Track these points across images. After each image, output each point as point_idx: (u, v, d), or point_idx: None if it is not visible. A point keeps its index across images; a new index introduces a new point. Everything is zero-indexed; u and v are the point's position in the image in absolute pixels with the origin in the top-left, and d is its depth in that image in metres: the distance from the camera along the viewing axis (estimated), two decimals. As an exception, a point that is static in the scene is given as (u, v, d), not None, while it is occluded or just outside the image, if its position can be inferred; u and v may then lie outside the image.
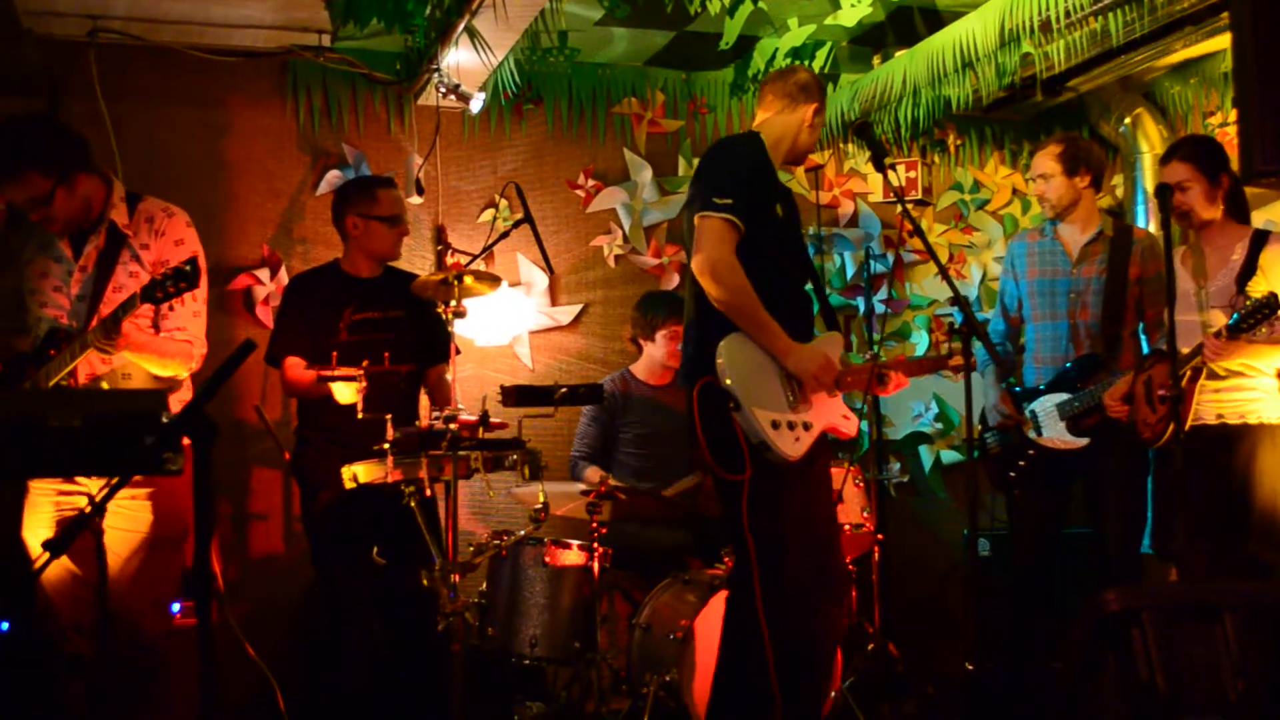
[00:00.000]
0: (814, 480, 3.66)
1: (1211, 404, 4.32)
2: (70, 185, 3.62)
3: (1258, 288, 4.25)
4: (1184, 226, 4.48)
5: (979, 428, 4.85)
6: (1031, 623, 4.62)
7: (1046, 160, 4.71)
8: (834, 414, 3.68)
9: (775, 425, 3.49)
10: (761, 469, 3.50)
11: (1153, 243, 4.79)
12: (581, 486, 4.60)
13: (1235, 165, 4.30)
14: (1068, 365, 4.61)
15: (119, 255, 3.72)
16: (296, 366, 4.39)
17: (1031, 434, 4.64)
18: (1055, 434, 4.59)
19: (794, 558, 3.57)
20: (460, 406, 3.93)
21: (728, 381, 3.46)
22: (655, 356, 5.23)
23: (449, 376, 4.38)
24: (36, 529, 3.60)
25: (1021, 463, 4.65)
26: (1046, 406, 4.63)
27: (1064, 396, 4.59)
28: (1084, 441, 4.54)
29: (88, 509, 3.21)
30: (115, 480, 3.13)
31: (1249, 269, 4.29)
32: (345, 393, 4.13)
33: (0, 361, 3.67)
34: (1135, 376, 4.40)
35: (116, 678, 3.65)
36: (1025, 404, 4.69)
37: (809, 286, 3.83)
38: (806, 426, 3.57)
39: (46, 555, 2.89)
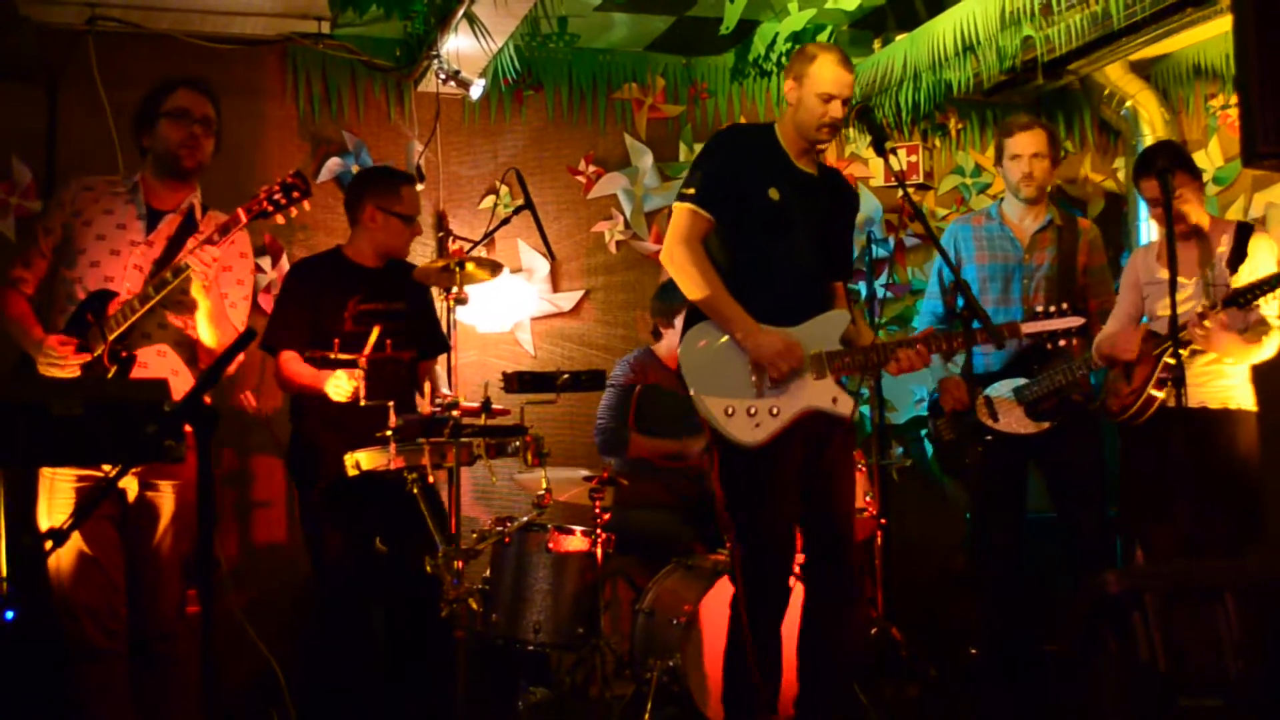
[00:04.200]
0: (783, 469, 3.63)
1: (1194, 389, 4.30)
2: (216, 147, 3.90)
3: (1247, 270, 4.27)
4: (1176, 228, 4.44)
5: (929, 410, 4.89)
6: (1005, 608, 4.62)
7: (1040, 141, 4.69)
8: (817, 396, 3.63)
9: (729, 412, 3.58)
10: (732, 453, 3.62)
11: (1097, 235, 4.85)
12: (585, 472, 4.60)
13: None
14: (1020, 350, 4.58)
15: (186, 243, 3.77)
16: (293, 361, 4.35)
17: (988, 419, 4.62)
18: (1013, 419, 4.58)
19: (756, 542, 3.64)
20: (448, 394, 3.94)
21: (683, 370, 3.65)
22: (674, 343, 5.20)
23: (439, 369, 4.42)
24: (57, 516, 3.62)
25: (979, 448, 4.63)
26: (1002, 392, 4.61)
27: (1020, 381, 4.58)
28: (1044, 425, 4.53)
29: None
30: (129, 469, 3.16)
31: (1239, 255, 4.30)
32: (340, 390, 4.12)
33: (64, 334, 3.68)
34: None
35: (131, 664, 3.69)
36: (979, 388, 4.66)
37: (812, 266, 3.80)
38: (774, 411, 3.58)
39: (58, 542, 2.94)
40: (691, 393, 3.64)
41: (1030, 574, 4.73)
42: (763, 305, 3.65)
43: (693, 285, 3.66)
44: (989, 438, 4.61)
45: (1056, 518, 4.72)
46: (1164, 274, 4.41)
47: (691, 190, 3.69)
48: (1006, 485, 4.66)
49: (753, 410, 3.58)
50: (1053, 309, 3.72)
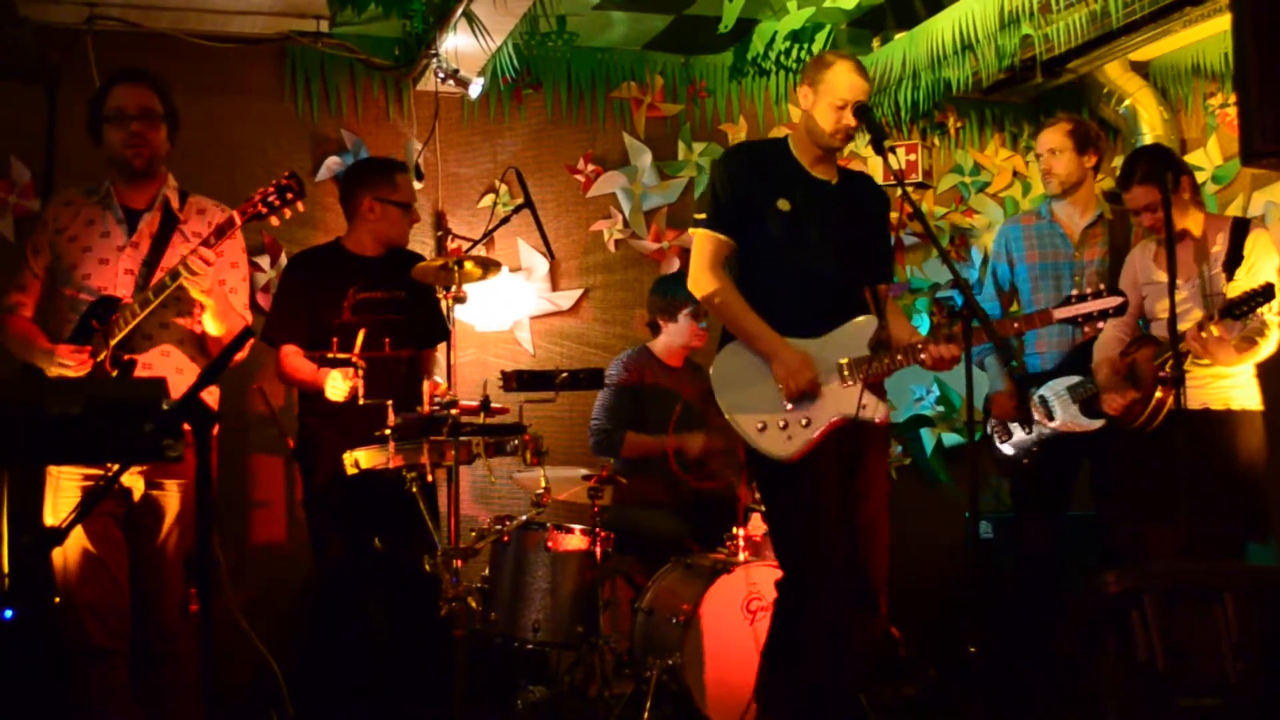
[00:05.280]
0: (819, 478, 3.62)
1: (1196, 391, 4.29)
2: (171, 131, 3.85)
3: (1244, 274, 4.26)
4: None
5: (980, 413, 4.85)
6: (1036, 608, 4.61)
7: (1057, 135, 4.71)
8: (846, 404, 3.60)
9: (762, 428, 3.60)
10: (765, 465, 3.63)
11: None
12: (584, 471, 4.60)
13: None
14: (1074, 348, 4.59)
15: (171, 237, 3.79)
16: (294, 355, 4.35)
17: (1043, 419, 4.62)
18: (1069, 417, 4.57)
19: (798, 557, 3.64)
20: (440, 382, 3.94)
21: (715, 390, 3.69)
22: (677, 337, 5.19)
23: (440, 357, 4.42)
24: (63, 515, 3.62)
25: (1035, 448, 4.63)
26: (1058, 390, 4.60)
27: (1075, 379, 4.57)
28: (1100, 423, 4.52)
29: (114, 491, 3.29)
30: (127, 468, 3.15)
31: (1235, 257, 4.29)
32: (338, 390, 4.12)
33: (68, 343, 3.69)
34: (1120, 359, 4.41)
35: (133, 662, 3.70)
36: (1033, 389, 4.66)
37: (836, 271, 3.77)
38: (805, 423, 3.58)
39: (58, 540, 2.93)
40: (724, 412, 3.66)
41: (1066, 574, 4.73)
42: (785, 317, 3.66)
43: (719, 308, 3.71)
44: (1045, 437, 4.61)
45: (1095, 516, 4.73)
46: (1160, 275, 4.41)
47: (703, 215, 3.75)
48: (1056, 485, 4.67)
49: (784, 423, 3.59)
50: (1089, 290, 3.64)
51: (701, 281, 3.72)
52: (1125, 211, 4.79)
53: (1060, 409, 4.59)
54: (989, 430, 4.82)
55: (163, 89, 3.84)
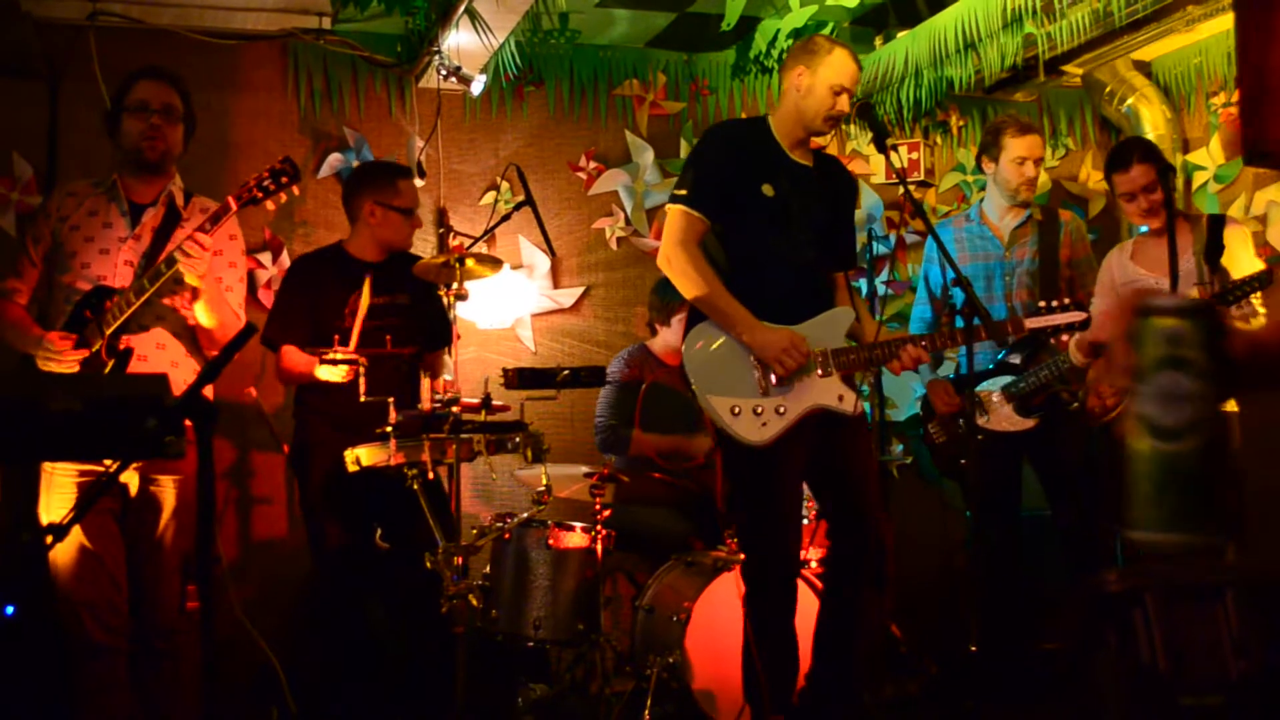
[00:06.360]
0: (785, 467, 3.62)
1: None
2: (187, 133, 3.90)
3: (1227, 262, 4.30)
4: (1152, 225, 4.46)
5: (922, 415, 4.90)
6: (1000, 605, 4.62)
7: (1040, 144, 4.78)
8: (823, 394, 3.61)
9: (735, 411, 3.55)
10: (738, 451, 3.60)
11: (1079, 225, 4.86)
12: (585, 468, 4.60)
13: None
14: (1009, 347, 4.60)
15: (173, 232, 3.81)
16: (292, 354, 4.35)
17: (978, 418, 4.61)
18: (1003, 416, 4.59)
19: (762, 542, 3.65)
20: (442, 380, 3.94)
21: (687, 370, 3.62)
22: (670, 341, 5.21)
23: (446, 357, 4.41)
24: (59, 511, 3.63)
25: (972, 448, 4.62)
26: (991, 389, 4.62)
27: (1008, 379, 4.59)
28: (1033, 422, 4.54)
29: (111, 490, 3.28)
30: (128, 465, 3.15)
31: (1215, 247, 4.30)
32: (333, 372, 4.11)
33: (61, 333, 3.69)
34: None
35: (132, 659, 3.70)
36: (967, 389, 4.67)
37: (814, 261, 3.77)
38: (780, 410, 3.56)
39: (58, 537, 2.93)
40: (696, 393, 3.62)
41: (1027, 572, 4.73)
42: (764, 303, 3.62)
43: (691, 286, 3.63)
44: (980, 437, 4.60)
45: (1050, 515, 4.74)
46: (1141, 272, 4.44)
47: (684, 191, 3.67)
48: (1000, 484, 4.66)
49: (759, 409, 3.56)
50: (1055, 303, 3.69)
51: (672, 256, 3.64)
52: (1054, 211, 4.82)
53: (994, 408, 4.59)
54: (928, 427, 4.85)
55: (185, 93, 3.89)
